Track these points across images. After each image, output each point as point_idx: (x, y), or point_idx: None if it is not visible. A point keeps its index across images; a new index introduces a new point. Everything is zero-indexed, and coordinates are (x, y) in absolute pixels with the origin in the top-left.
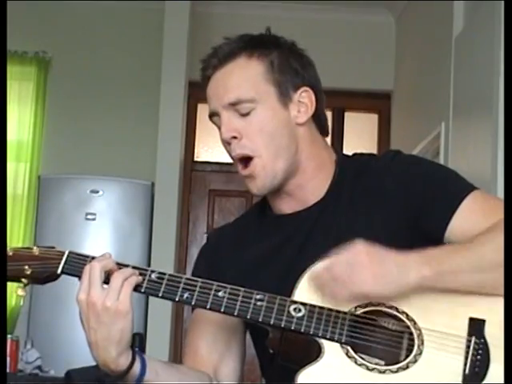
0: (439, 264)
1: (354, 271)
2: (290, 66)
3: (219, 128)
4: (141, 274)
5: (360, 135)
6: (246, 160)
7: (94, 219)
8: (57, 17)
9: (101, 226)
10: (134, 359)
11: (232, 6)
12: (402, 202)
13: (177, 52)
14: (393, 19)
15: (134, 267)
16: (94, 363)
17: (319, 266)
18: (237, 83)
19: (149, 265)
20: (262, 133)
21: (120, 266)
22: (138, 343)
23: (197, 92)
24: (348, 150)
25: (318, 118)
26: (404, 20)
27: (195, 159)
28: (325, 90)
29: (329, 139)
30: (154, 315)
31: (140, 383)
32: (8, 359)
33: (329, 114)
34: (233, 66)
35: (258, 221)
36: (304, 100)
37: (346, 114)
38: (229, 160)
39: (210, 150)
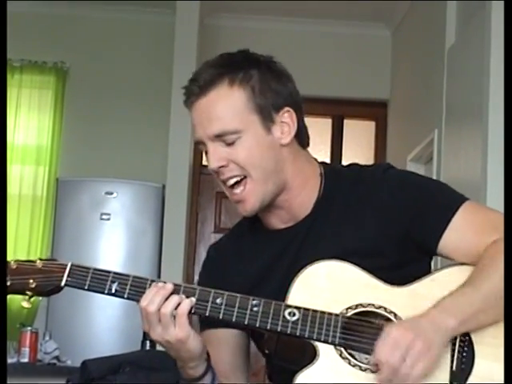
0: (461, 313)
1: (410, 353)
2: (270, 88)
3: (206, 153)
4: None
5: (358, 141)
6: (236, 184)
7: (108, 219)
8: (74, 30)
9: (115, 226)
10: (207, 370)
11: (238, 20)
12: (395, 214)
13: (187, 62)
14: (389, 33)
15: (182, 286)
16: (108, 354)
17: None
18: (220, 115)
19: (159, 262)
20: (248, 159)
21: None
22: (149, 336)
23: None
24: (347, 155)
25: (299, 134)
26: (400, 33)
27: (204, 163)
28: (325, 99)
29: (328, 145)
30: None
31: None
32: (28, 350)
33: (329, 122)
34: (214, 94)
35: (251, 235)
36: (286, 120)
37: (345, 122)
38: None
39: None
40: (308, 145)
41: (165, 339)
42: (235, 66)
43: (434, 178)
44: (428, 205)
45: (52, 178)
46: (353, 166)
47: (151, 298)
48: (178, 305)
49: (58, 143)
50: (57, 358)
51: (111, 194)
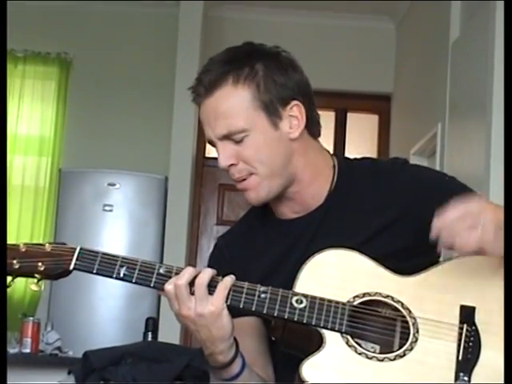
0: (501, 214)
1: (485, 223)
2: (276, 82)
3: (217, 151)
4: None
5: (361, 134)
6: (244, 180)
7: (111, 210)
8: (78, 21)
9: (117, 217)
10: (236, 355)
11: (242, 12)
12: (408, 207)
13: (190, 53)
14: (393, 25)
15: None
16: (109, 345)
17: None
18: (226, 115)
19: (162, 253)
20: (257, 156)
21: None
22: (151, 327)
23: None
24: (350, 148)
25: (310, 125)
26: (404, 26)
27: (206, 155)
28: (329, 92)
29: (332, 138)
30: (167, 300)
31: (236, 378)
32: (29, 340)
33: (332, 115)
34: (220, 94)
35: (262, 225)
36: (294, 113)
37: (349, 115)
38: None
39: None
40: (319, 135)
41: (198, 313)
42: (239, 62)
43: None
44: (443, 198)
45: (55, 168)
46: (365, 159)
47: (180, 274)
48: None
49: (60, 134)
50: (58, 348)
51: (114, 185)
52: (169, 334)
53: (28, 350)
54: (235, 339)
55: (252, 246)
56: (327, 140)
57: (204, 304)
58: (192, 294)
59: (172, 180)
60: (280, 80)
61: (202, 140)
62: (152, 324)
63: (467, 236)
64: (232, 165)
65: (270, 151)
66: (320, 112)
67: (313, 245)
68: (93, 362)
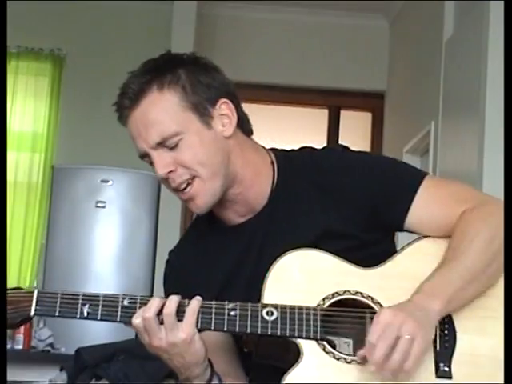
0: (444, 294)
1: (404, 330)
2: (201, 83)
3: (150, 164)
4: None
5: (354, 132)
6: (187, 187)
7: (103, 207)
8: (71, 17)
9: (110, 214)
10: (212, 375)
11: (236, 9)
12: (356, 196)
13: (184, 51)
14: (387, 23)
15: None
16: (102, 342)
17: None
18: (156, 121)
19: (154, 251)
20: (195, 158)
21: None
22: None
23: None
24: None
25: (241, 123)
26: (397, 24)
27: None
28: (322, 90)
29: (325, 136)
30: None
31: None
32: (22, 337)
33: (325, 112)
34: (146, 103)
35: (210, 235)
36: (224, 112)
37: (342, 113)
38: None
39: None
40: (252, 133)
41: (169, 342)
42: (161, 69)
43: (430, 170)
44: (389, 183)
45: (48, 165)
46: (304, 150)
47: (146, 307)
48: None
49: (53, 130)
50: (51, 345)
51: (107, 181)
52: None
53: (20, 347)
54: (209, 360)
55: (204, 257)
56: (320, 138)
57: (175, 333)
58: (161, 323)
59: None
60: (205, 80)
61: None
62: None
63: (391, 361)
64: (171, 172)
65: (207, 151)
66: (313, 110)
67: (266, 247)
68: (85, 358)
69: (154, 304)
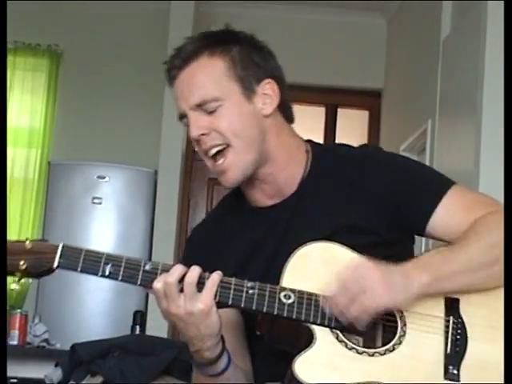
0: (435, 270)
1: (367, 287)
2: (251, 60)
3: (188, 127)
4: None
5: (351, 130)
6: (217, 154)
7: (100, 203)
8: (68, 13)
9: (106, 210)
10: (223, 351)
11: (234, 7)
12: (384, 195)
13: None
14: (385, 22)
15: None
16: (97, 338)
17: (333, 291)
18: (200, 84)
19: (151, 247)
20: (230, 127)
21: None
22: (139, 320)
23: None
24: None
25: (283, 108)
26: (395, 23)
27: (196, 149)
28: (319, 88)
29: (322, 134)
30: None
31: (224, 373)
32: (17, 332)
33: (322, 110)
34: (195, 65)
35: (236, 214)
36: (268, 92)
37: (339, 111)
38: None
39: None
40: (293, 121)
41: (188, 311)
42: (216, 39)
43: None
44: (418, 186)
45: (44, 161)
46: (340, 146)
47: (169, 272)
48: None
49: (50, 126)
50: (46, 341)
51: (103, 178)
52: (156, 327)
53: (15, 342)
54: (222, 336)
55: (226, 234)
56: (317, 136)
57: (193, 302)
58: (181, 291)
59: (161, 173)
60: (255, 59)
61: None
62: (140, 317)
63: (348, 311)
64: (204, 134)
65: (243, 123)
66: (310, 107)
67: (288, 232)
68: (80, 354)
69: (177, 271)
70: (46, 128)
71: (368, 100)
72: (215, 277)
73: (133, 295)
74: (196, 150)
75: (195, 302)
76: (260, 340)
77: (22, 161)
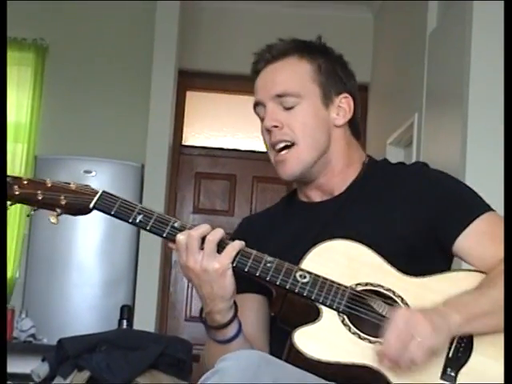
0: (467, 312)
1: (417, 331)
2: (335, 72)
3: (261, 118)
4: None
5: None
6: (283, 148)
7: None
8: (54, 7)
9: None
10: (234, 318)
11: (220, 0)
12: (422, 205)
13: (168, 42)
14: (371, 15)
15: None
16: (84, 333)
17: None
18: (286, 78)
19: (137, 243)
20: (302, 125)
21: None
22: (126, 315)
23: (186, 80)
24: None
25: (353, 124)
26: (382, 16)
27: (183, 143)
28: None
29: None
30: (142, 288)
31: (231, 342)
32: None
33: None
34: (283, 62)
35: (286, 207)
36: (343, 105)
37: None
38: (214, 145)
39: (197, 134)
40: (360, 138)
41: (203, 267)
42: (308, 46)
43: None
44: (454, 203)
45: (30, 155)
46: (396, 162)
47: (195, 227)
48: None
49: (36, 121)
50: (33, 335)
51: (90, 172)
52: (144, 321)
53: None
54: (235, 304)
55: (272, 223)
56: None
57: (211, 260)
58: (202, 249)
59: (148, 168)
60: (339, 73)
61: (178, 128)
62: (127, 312)
63: (402, 358)
64: (276, 127)
65: (315, 125)
66: None
67: (326, 229)
68: (67, 349)
69: (203, 228)
70: (32, 122)
71: None
72: (237, 243)
73: (120, 289)
74: (264, 139)
75: (212, 260)
76: (274, 323)
77: (9, 155)
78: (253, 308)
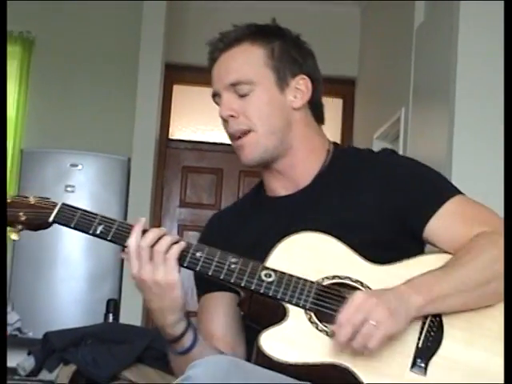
0: (429, 291)
1: (371, 314)
2: (289, 55)
3: (219, 106)
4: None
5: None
6: (241, 135)
7: (72, 191)
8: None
9: (79, 198)
10: (187, 329)
11: None
12: (390, 192)
13: (154, 35)
14: (358, 10)
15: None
16: (70, 326)
17: (336, 329)
18: (238, 65)
19: None
20: (258, 112)
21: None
22: (112, 308)
23: (173, 74)
24: None
25: (314, 106)
26: (369, 11)
27: (170, 137)
28: None
29: None
30: (128, 282)
31: (189, 351)
32: None
33: None
34: (236, 50)
35: (253, 202)
36: (300, 87)
37: None
38: (201, 139)
39: (183, 128)
40: (323, 122)
41: (154, 280)
42: (261, 30)
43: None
44: (422, 188)
45: (17, 148)
46: (362, 150)
47: (145, 235)
48: (171, 246)
49: (23, 114)
50: (18, 329)
51: (76, 166)
52: (130, 315)
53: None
54: (188, 315)
55: (240, 220)
56: None
57: (160, 272)
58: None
59: (135, 161)
60: (294, 55)
61: (165, 121)
62: (113, 305)
63: (355, 342)
64: (232, 116)
65: (271, 111)
66: None
67: (292, 223)
68: (53, 343)
69: (150, 235)
70: (18, 116)
71: (342, 88)
72: (177, 249)
73: (106, 283)
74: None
75: (162, 272)
76: (244, 321)
77: None
78: (224, 307)
